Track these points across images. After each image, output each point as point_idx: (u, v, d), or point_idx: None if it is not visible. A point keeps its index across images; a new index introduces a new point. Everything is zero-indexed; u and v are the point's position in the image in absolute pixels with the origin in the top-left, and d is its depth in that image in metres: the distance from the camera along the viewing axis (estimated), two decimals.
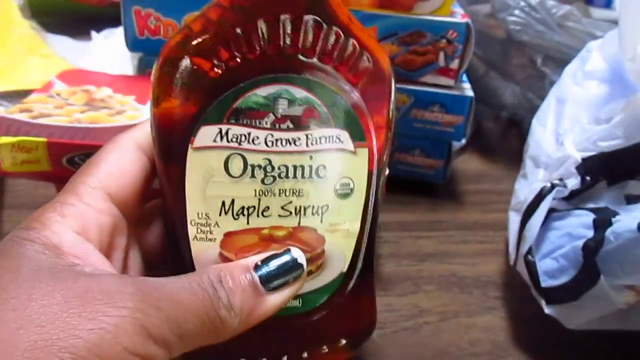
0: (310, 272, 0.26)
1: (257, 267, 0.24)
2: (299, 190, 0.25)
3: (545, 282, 0.33)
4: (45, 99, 0.40)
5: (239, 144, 0.24)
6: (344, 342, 0.28)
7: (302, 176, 0.25)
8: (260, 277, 0.23)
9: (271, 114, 0.24)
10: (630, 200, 0.33)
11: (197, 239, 0.25)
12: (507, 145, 0.64)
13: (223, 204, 0.25)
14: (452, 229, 0.47)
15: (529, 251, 0.34)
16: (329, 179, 0.25)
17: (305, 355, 0.27)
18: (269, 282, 0.23)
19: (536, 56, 0.57)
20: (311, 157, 0.25)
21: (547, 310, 0.33)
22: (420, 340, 0.36)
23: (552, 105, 0.43)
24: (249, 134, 0.24)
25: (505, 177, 0.55)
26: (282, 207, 0.25)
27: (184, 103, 0.24)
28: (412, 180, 0.51)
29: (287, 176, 0.25)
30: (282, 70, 0.24)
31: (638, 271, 0.29)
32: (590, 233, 0.31)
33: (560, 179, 0.35)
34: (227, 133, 0.24)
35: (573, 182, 0.34)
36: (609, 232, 0.30)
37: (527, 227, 0.34)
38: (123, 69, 0.55)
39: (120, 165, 0.26)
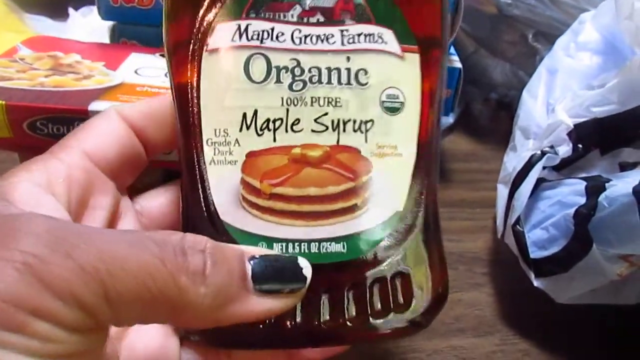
0: (354, 207, 0.21)
1: (252, 260, 0.19)
2: (336, 99, 0.21)
3: (535, 253, 0.31)
4: (7, 63, 0.37)
5: (261, 42, 0.21)
6: (405, 313, 0.22)
7: (339, 82, 0.21)
8: (254, 271, 0.19)
9: (297, 6, 0.21)
10: (625, 167, 0.31)
11: (214, 163, 0.21)
12: (496, 127, 0.62)
13: (244, 116, 0.21)
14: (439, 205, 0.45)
15: (517, 221, 0.32)
16: (372, 87, 0.22)
17: (349, 323, 0.21)
18: (261, 282, 0.19)
19: (527, 32, 0.55)
20: (348, 59, 0.21)
21: (536, 282, 0.31)
22: None
23: (543, 76, 0.42)
24: (272, 29, 0.21)
25: (494, 158, 0.53)
26: (315, 120, 0.21)
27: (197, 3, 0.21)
28: None
29: (320, 81, 0.21)
30: None
31: (633, 239, 0.27)
32: (582, 200, 0.29)
33: (551, 147, 0.33)
34: (246, 30, 0.21)
35: (564, 150, 0.32)
36: (602, 197, 0.28)
37: (516, 197, 0.33)
38: None
39: (102, 128, 0.24)
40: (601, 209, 0.28)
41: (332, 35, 0.21)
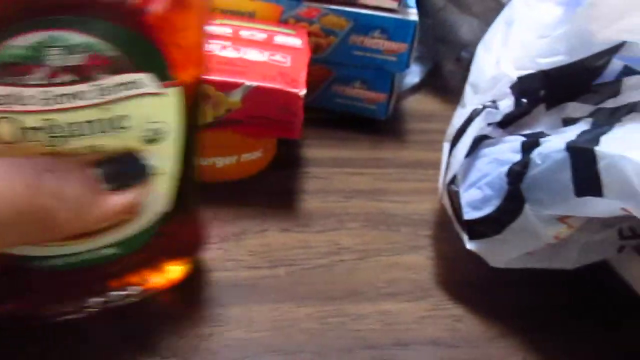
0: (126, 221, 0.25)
1: (99, 164, 0.22)
2: (96, 146, 0.22)
3: (468, 214, 0.29)
4: None
5: (8, 106, 0.20)
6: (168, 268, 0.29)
7: (101, 131, 0.22)
8: (103, 173, 0.22)
9: (45, 67, 0.19)
10: (568, 123, 0.29)
11: None
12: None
13: None
14: (390, 166, 0.43)
15: (453, 180, 0.30)
16: (133, 128, 0.22)
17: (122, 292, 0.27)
18: (112, 180, 0.22)
19: None
20: (108, 110, 0.21)
21: (468, 245, 0.30)
22: (332, 279, 0.32)
23: (500, 29, 0.39)
24: (19, 93, 0.19)
25: None
26: None
27: None
28: (351, 115, 0.47)
29: (81, 134, 0.21)
30: (49, 11, 0.19)
31: (565, 199, 0.25)
32: (518, 157, 0.27)
33: (493, 101, 0.31)
34: None
35: (506, 104, 0.30)
36: (534, 153, 0.26)
37: (453, 154, 0.31)
38: None
39: None
40: (534, 165, 0.26)
41: (88, 92, 0.21)
